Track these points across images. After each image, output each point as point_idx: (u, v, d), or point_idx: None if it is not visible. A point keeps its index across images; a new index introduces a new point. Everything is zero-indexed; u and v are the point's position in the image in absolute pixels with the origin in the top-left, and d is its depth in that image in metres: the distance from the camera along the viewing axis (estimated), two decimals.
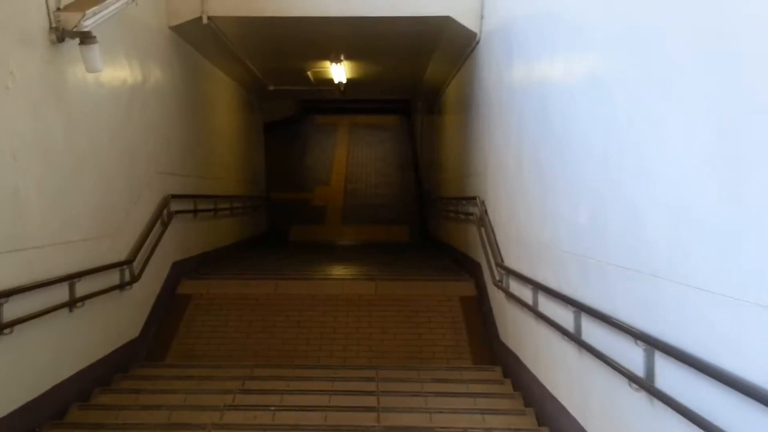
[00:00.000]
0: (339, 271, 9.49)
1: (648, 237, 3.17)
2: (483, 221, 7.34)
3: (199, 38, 8.61)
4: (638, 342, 3.21)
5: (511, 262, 6.08)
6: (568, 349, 4.33)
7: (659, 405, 3.05)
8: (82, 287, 5.21)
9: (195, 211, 8.70)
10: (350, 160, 19.29)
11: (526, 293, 5.39)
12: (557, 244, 4.60)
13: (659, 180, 3.06)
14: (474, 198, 7.99)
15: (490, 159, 7.32)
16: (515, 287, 5.86)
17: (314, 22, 8.33)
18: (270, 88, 12.68)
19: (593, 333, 3.90)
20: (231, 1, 7.91)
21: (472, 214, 8.26)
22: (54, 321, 4.82)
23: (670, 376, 3.01)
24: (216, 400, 5.19)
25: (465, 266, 9.11)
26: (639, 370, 3.24)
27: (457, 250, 10.14)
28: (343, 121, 21.24)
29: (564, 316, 4.38)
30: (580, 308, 4.06)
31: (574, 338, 4.15)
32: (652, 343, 3.11)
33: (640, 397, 3.26)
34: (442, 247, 12.33)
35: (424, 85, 13.05)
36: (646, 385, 3.16)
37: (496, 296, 6.79)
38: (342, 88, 12.19)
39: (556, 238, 4.65)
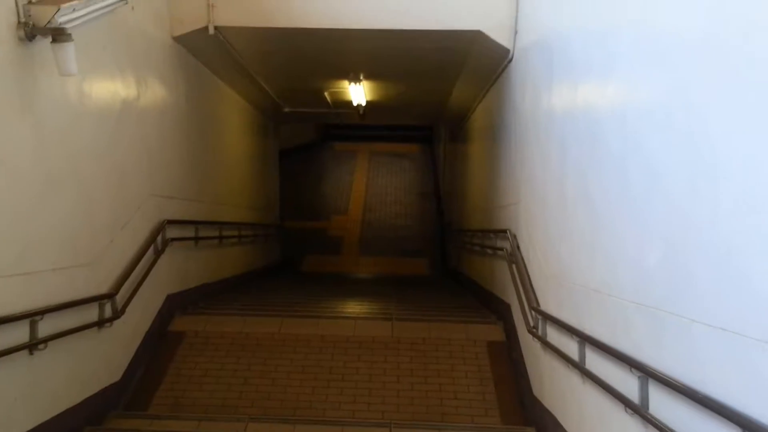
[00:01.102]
0: (352, 308, 8.66)
1: (759, 291, 2.33)
2: (514, 257, 6.50)
3: (206, 51, 7.96)
4: None
5: (549, 306, 5.22)
6: (629, 423, 3.45)
7: None
8: (48, 325, 4.44)
9: (196, 239, 7.96)
10: (369, 189, 18.57)
11: (569, 345, 4.53)
12: (614, 290, 3.75)
13: None
14: (504, 231, 7.16)
15: (523, 189, 6.50)
16: (554, 336, 5.00)
17: (330, 36, 7.63)
18: (285, 110, 12.01)
19: (668, 409, 3.04)
20: (239, 11, 7.21)
21: (501, 249, 7.42)
22: (6, 366, 4.04)
23: None
24: None
25: (491, 306, 8.24)
26: None
27: (483, 288, 9.27)
28: (363, 149, 20.60)
29: (622, 379, 3.52)
30: (648, 374, 3.21)
31: (639, 412, 3.28)
32: None
33: None
34: (465, 283, 11.46)
35: (448, 110, 12.31)
36: None
37: (529, 344, 5.92)
38: (361, 111, 11.47)
39: (612, 284, 3.80)
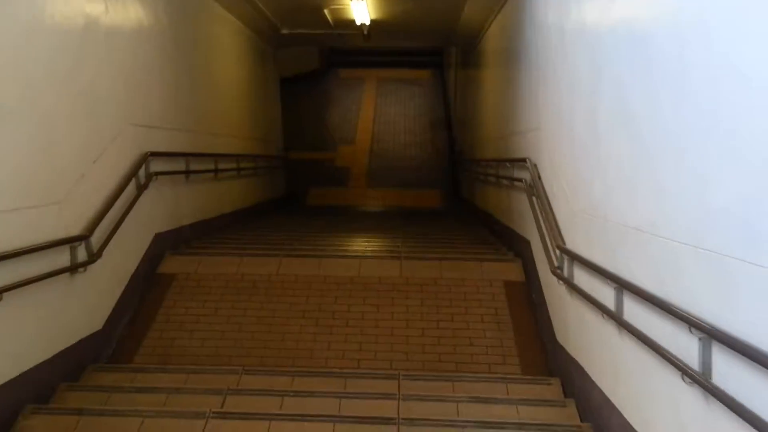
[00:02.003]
0: (358, 244, 8.08)
1: None
2: (536, 189, 5.84)
3: None
4: None
5: (577, 245, 4.59)
6: (682, 389, 2.86)
7: None
8: (4, 274, 3.87)
9: (187, 172, 7.33)
10: (377, 117, 17.75)
11: (602, 291, 3.94)
12: (664, 230, 3.11)
13: None
14: (523, 160, 6.47)
15: (545, 113, 5.78)
16: (583, 279, 4.39)
17: None
18: (283, 31, 11.15)
19: (737, 377, 2.44)
20: None
21: (519, 180, 6.75)
22: None
23: None
24: (180, 430, 3.86)
25: (508, 241, 7.64)
26: None
27: (498, 221, 8.66)
28: (370, 75, 19.66)
29: (674, 337, 2.93)
30: (711, 335, 2.59)
31: (699, 380, 2.68)
32: None
33: None
34: (479, 216, 10.85)
35: (460, 30, 11.41)
36: None
37: (553, 286, 5.33)
38: (366, 32, 10.60)
39: (660, 222, 3.15)
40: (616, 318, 3.67)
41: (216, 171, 8.43)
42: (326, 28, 11.10)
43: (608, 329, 3.89)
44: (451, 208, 13.64)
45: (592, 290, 4.16)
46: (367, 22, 10.20)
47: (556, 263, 5.03)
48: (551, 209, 5.35)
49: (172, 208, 6.97)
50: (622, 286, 3.61)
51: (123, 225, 5.55)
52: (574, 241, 4.69)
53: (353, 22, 10.26)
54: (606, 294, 3.85)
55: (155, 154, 6.30)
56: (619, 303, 3.68)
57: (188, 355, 5.32)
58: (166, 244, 6.67)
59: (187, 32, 7.77)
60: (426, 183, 14.92)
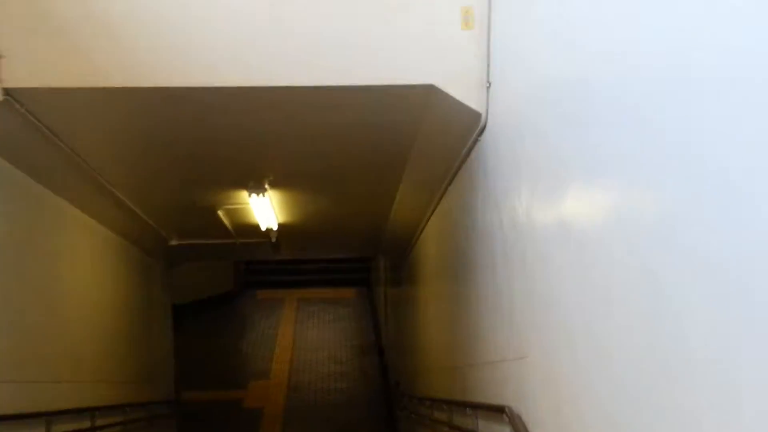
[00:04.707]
0: None
1: None
2: None
3: (11, 141, 5.01)
4: None
5: None
6: None
7: None
8: None
9: None
10: (297, 344, 15.30)
11: None
12: None
13: None
14: (499, 410, 4.08)
15: (543, 332, 3.57)
16: None
17: (213, 104, 4.82)
18: (172, 243, 8.99)
19: None
20: (53, 60, 4.40)
21: None
22: None
23: None
24: None
25: None
26: None
27: None
28: (290, 296, 17.55)
29: None
30: None
31: None
32: None
33: None
34: None
35: (389, 232, 9.52)
36: None
37: None
38: (274, 240, 8.56)
39: None
40: None
41: None
42: (225, 237, 8.98)
43: None
44: None
45: None
46: (274, 227, 8.19)
47: None
48: None
49: None
50: None
51: None
52: None
53: (257, 227, 8.23)
54: None
55: None
56: None
57: None
58: None
59: (15, 238, 5.47)
60: (356, 425, 12.13)
